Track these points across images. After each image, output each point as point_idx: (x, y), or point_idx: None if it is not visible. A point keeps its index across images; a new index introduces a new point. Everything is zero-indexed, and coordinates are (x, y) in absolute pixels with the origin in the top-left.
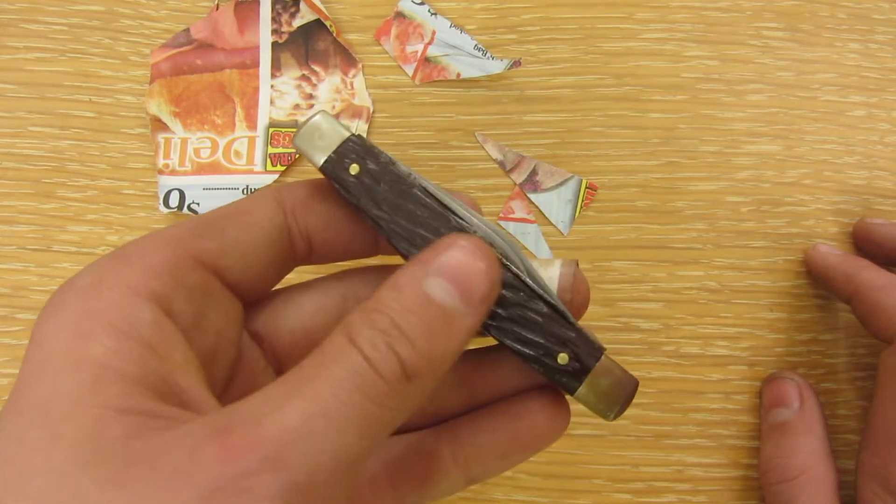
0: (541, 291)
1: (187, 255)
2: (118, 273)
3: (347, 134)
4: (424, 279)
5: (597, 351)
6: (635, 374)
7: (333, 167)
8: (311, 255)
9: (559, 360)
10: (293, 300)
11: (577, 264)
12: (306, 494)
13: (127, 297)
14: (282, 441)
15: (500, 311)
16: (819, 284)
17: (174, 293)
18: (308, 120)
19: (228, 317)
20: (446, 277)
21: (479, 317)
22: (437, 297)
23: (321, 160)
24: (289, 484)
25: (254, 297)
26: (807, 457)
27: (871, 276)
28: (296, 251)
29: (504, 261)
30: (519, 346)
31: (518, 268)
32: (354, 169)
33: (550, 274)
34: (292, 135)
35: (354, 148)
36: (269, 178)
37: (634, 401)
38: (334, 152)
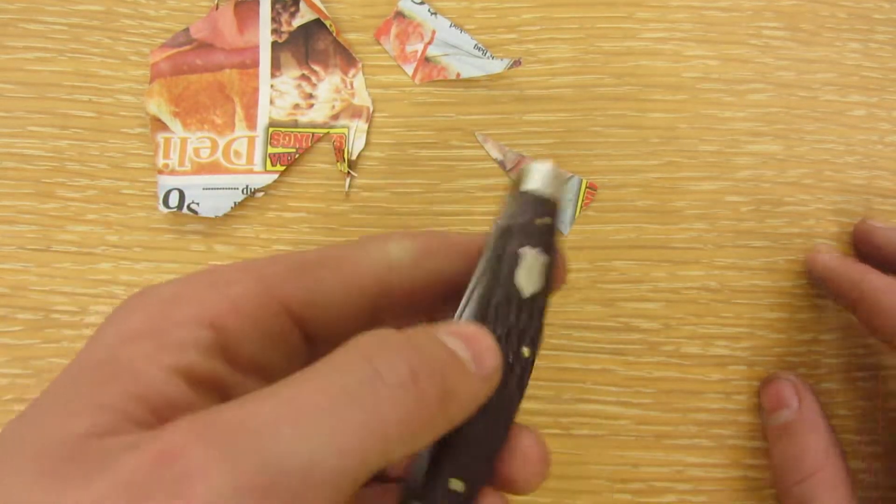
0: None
1: (275, 299)
2: (200, 296)
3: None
4: (444, 336)
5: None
6: (636, 374)
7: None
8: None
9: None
10: None
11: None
12: (259, 501)
13: (193, 325)
14: (236, 437)
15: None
16: (820, 285)
17: (246, 335)
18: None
19: (292, 363)
20: (460, 338)
21: (487, 388)
22: (451, 346)
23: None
24: (235, 484)
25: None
26: (817, 455)
27: (874, 279)
28: (381, 319)
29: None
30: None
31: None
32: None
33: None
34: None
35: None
36: (269, 178)
37: (635, 401)
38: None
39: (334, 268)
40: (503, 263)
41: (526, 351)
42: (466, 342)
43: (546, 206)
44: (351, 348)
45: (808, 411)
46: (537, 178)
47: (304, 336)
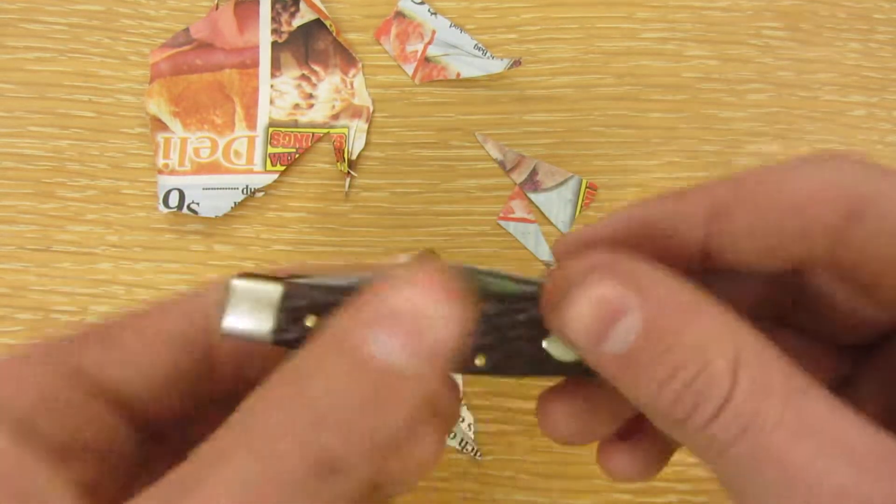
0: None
1: (67, 368)
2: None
3: (280, 286)
4: (356, 332)
5: None
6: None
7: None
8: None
9: (477, 364)
10: None
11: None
12: None
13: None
14: None
15: (492, 342)
16: None
17: (41, 413)
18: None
19: (117, 435)
20: (387, 326)
21: (439, 372)
22: (375, 356)
23: (269, 330)
24: None
25: (163, 422)
26: (712, 349)
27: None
28: (216, 374)
29: (483, 276)
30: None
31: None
32: (313, 321)
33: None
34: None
35: (299, 294)
36: (269, 178)
37: None
38: (281, 311)
39: (137, 325)
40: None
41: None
42: (398, 329)
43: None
44: (239, 420)
45: (669, 298)
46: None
47: (122, 404)
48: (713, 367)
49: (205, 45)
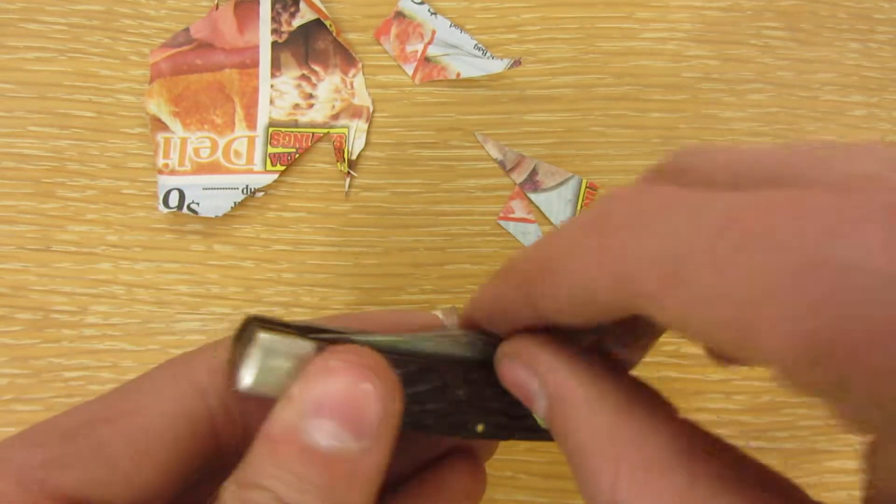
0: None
1: (42, 495)
2: None
3: (310, 343)
4: (301, 424)
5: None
6: (635, 373)
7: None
8: (245, 439)
9: (478, 430)
10: None
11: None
12: None
13: None
14: None
15: (415, 407)
16: None
17: None
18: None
19: None
20: (327, 416)
21: (385, 445)
22: (323, 447)
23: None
24: None
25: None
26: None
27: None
28: (222, 440)
29: (406, 353)
30: (442, 431)
31: (424, 350)
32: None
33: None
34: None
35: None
36: (269, 178)
37: None
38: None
39: (115, 425)
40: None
41: (480, 427)
42: (336, 416)
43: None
44: None
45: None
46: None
47: None
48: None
49: (205, 45)
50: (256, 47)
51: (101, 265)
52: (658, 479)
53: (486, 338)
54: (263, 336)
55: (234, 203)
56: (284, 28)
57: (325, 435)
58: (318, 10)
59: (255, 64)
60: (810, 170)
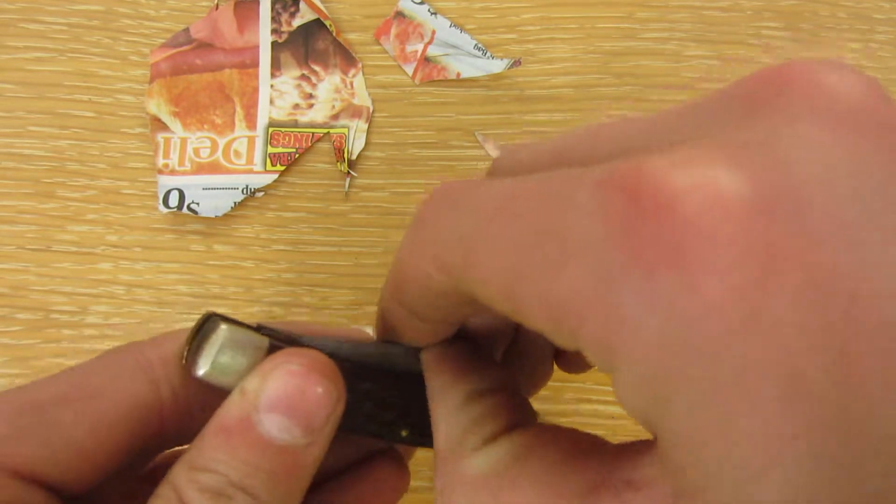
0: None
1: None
2: None
3: (266, 339)
4: (256, 417)
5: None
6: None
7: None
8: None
9: (402, 435)
10: None
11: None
12: None
13: None
14: None
15: (351, 408)
16: None
17: None
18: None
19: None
20: (280, 411)
21: (326, 441)
22: (274, 439)
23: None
24: None
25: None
26: None
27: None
28: (166, 426)
29: (346, 359)
30: (371, 432)
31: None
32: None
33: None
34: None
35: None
36: (269, 178)
37: None
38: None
39: (73, 406)
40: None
41: (404, 433)
42: (289, 412)
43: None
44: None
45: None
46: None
47: (58, 488)
48: None
49: (205, 45)
50: (256, 47)
51: (101, 265)
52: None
53: (414, 350)
54: (224, 327)
55: (234, 203)
56: (284, 28)
57: (277, 428)
58: (318, 10)
59: (255, 64)
60: (581, 151)
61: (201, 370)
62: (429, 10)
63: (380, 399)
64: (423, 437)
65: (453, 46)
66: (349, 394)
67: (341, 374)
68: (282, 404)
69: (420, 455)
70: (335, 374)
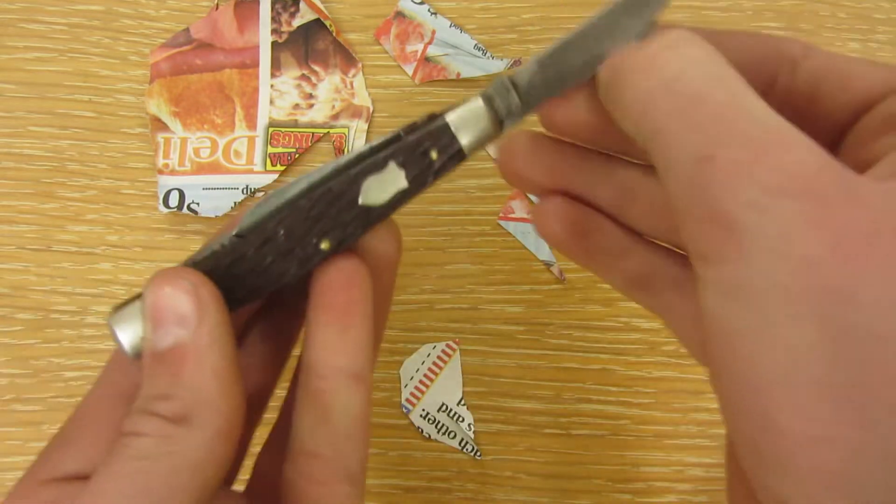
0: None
1: (37, 484)
2: None
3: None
4: (149, 334)
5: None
6: (636, 374)
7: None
8: None
9: (322, 248)
10: None
11: None
12: None
13: None
14: None
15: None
16: None
17: None
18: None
19: None
20: (154, 322)
21: (212, 324)
22: (162, 346)
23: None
24: None
25: None
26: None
27: None
28: None
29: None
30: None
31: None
32: None
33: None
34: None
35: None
36: (269, 178)
37: (635, 401)
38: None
39: (93, 425)
40: (358, 165)
41: (325, 245)
42: (159, 320)
43: (443, 140)
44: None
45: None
46: (465, 115)
47: None
48: None
49: (205, 45)
50: (256, 47)
51: (101, 265)
52: None
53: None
54: (114, 316)
55: (235, 203)
56: (284, 28)
57: (160, 337)
58: (318, 10)
59: (255, 64)
60: None
61: (133, 350)
62: (429, 11)
63: (287, 227)
64: (347, 238)
65: (453, 46)
66: (252, 248)
67: (234, 239)
68: (152, 315)
69: (420, 455)
70: (182, 270)
